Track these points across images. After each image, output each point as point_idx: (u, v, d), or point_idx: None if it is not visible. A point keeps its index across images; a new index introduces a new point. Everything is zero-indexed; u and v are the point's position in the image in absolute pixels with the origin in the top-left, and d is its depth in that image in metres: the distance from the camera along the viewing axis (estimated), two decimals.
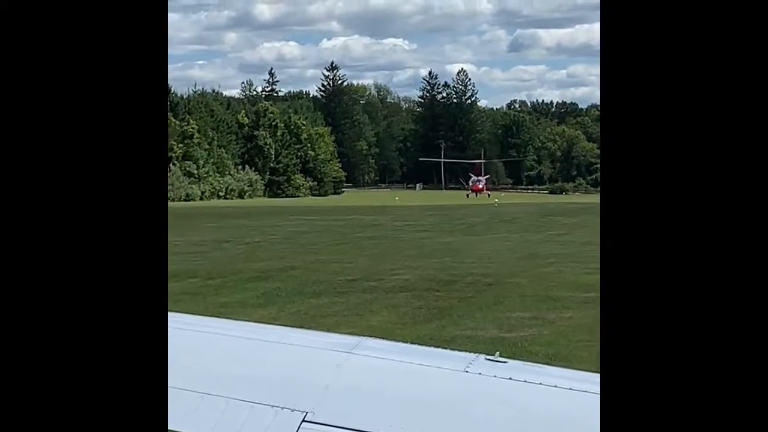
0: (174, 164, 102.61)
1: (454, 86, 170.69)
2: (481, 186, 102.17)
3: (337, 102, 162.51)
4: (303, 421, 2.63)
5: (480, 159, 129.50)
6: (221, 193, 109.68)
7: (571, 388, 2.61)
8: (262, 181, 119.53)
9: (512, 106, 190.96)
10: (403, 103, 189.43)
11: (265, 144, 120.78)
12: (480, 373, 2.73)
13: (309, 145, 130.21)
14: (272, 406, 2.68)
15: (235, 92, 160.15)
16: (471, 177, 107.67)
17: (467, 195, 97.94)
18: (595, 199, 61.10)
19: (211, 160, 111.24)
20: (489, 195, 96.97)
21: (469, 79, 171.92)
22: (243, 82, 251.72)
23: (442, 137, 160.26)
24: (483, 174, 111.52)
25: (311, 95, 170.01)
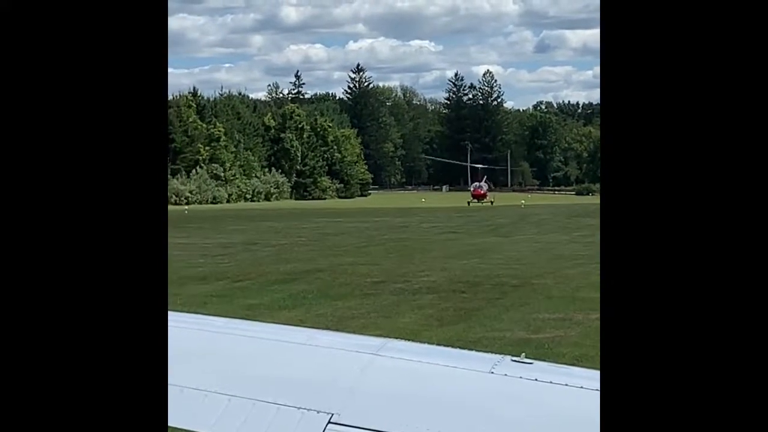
0: (201, 167, 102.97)
1: (480, 88, 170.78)
2: (482, 191, 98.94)
3: (364, 104, 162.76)
4: (329, 422, 2.64)
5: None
6: (248, 196, 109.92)
7: (597, 390, 2.60)
8: (289, 184, 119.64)
9: (539, 108, 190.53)
10: (429, 104, 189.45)
11: (292, 146, 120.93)
12: (506, 375, 2.72)
13: (335, 147, 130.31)
14: (298, 408, 2.69)
15: (261, 95, 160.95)
16: (483, 183, 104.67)
17: (468, 203, 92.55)
18: None
19: (238, 162, 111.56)
20: (492, 202, 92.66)
21: (495, 81, 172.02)
22: (269, 85, 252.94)
23: (468, 139, 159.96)
24: (494, 177, 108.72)
25: (337, 97, 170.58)
